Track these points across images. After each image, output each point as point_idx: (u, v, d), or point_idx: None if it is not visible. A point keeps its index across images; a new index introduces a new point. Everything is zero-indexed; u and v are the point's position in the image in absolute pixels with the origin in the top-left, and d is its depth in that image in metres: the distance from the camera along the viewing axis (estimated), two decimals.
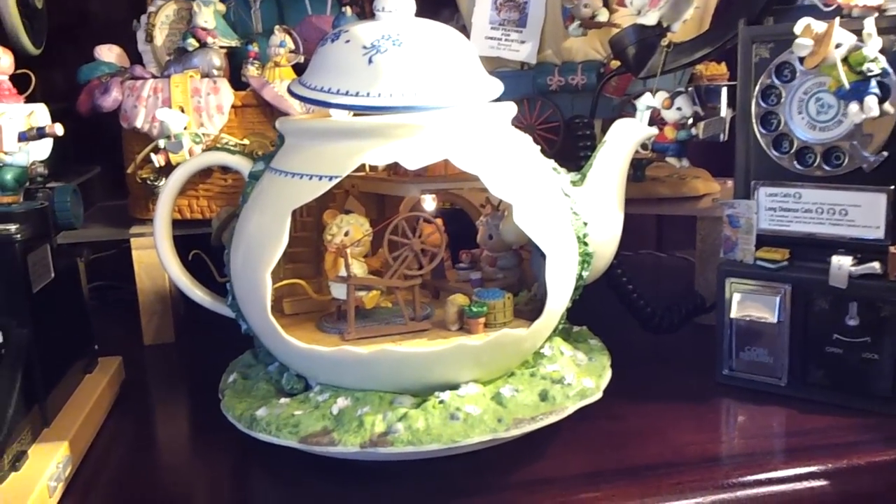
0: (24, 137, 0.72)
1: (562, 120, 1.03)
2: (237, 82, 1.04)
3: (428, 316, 0.73)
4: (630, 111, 0.97)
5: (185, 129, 0.97)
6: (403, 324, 0.70)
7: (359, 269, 0.71)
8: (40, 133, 0.72)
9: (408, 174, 0.76)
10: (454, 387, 0.65)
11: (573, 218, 0.73)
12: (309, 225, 0.80)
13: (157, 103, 1.00)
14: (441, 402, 0.64)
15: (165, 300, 1.04)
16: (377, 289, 0.71)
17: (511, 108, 0.72)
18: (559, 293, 0.69)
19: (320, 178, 0.65)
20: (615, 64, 1.00)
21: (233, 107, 1.01)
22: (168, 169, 0.95)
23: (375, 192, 0.82)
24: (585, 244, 0.73)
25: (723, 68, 1.07)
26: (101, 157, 1.28)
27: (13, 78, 0.80)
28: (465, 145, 0.66)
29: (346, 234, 0.71)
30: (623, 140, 0.76)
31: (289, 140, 0.72)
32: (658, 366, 0.89)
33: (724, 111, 0.88)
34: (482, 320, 0.69)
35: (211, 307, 0.77)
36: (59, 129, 0.73)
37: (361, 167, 0.70)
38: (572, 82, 1.03)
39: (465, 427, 0.63)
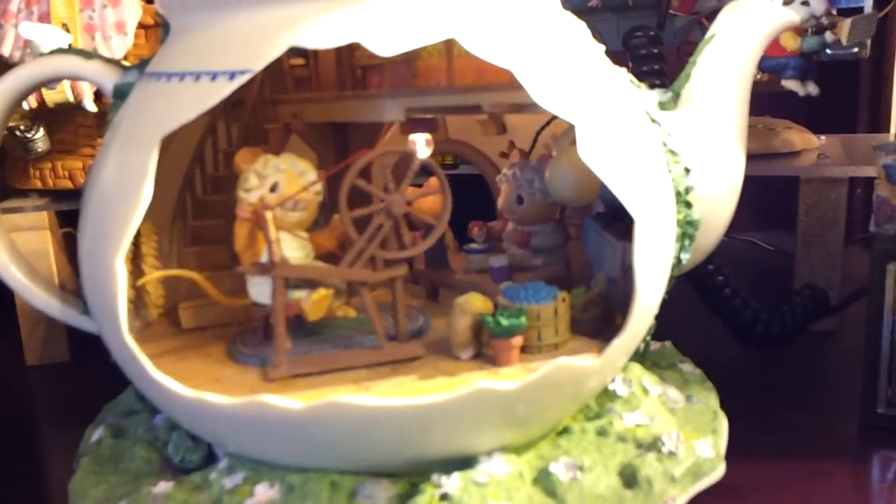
0: None
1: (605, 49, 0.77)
2: None
3: (420, 332, 0.42)
4: (699, 36, 0.70)
5: None
6: (377, 347, 0.39)
7: (295, 249, 0.40)
8: None
9: (382, 84, 0.44)
10: (466, 462, 0.38)
11: (669, 159, 0.42)
12: (227, 183, 0.49)
13: (31, 21, 0.70)
14: (444, 497, 0.34)
15: None
16: (328, 286, 0.40)
17: None
18: (652, 285, 0.39)
19: (214, 76, 0.35)
20: None
21: (141, 26, 0.73)
22: (46, 114, 0.69)
23: (332, 123, 0.50)
24: (688, 204, 0.43)
25: None
26: None
27: None
28: (485, 17, 0.36)
29: (274, 188, 0.40)
30: (745, 31, 0.45)
31: (176, 25, 0.41)
32: (770, 399, 0.60)
33: (870, 7, 0.60)
34: (518, 341, 0.38)
35: (61, 317, 0.47)
36: None
37: (306, 82, 0.39)
38: None
39: None
